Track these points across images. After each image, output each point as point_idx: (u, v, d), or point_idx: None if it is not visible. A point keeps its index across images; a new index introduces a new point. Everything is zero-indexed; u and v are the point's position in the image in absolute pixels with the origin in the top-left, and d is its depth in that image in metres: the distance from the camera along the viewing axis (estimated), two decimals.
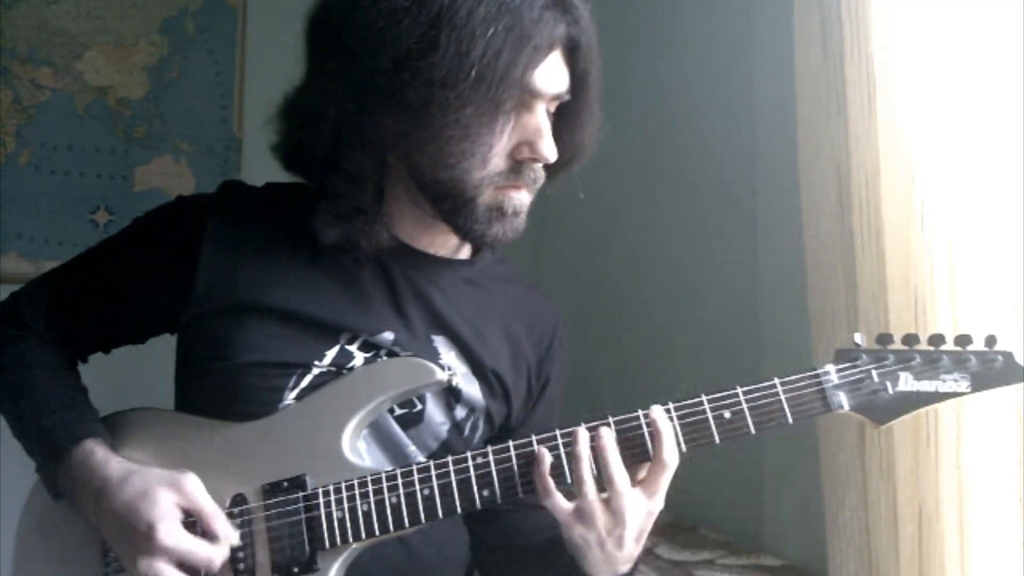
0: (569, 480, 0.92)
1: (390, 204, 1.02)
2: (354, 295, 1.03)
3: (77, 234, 2.60)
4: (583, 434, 0.92)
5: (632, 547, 0.92)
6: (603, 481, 0.91)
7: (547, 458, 0.92)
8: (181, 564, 0.91)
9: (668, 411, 0.93)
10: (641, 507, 0.91)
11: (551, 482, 0.92)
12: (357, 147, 0.96)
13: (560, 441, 0.94)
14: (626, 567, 0.94)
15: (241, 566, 0.94)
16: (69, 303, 1.08)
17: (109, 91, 2.67)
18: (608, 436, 0.92)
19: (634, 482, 0.92)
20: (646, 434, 0.93)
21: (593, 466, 0.91)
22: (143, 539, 0.91)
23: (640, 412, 0.94)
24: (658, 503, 0.92)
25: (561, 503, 0.92)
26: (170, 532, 0.91)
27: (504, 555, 1.13)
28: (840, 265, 1.30)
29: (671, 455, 0.91)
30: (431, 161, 0.94)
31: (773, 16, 1.78)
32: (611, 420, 0.94)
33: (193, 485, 0.94)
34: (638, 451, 0.93)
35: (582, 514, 0.91)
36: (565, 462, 0.93)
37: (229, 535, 0.94)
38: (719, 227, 2.03)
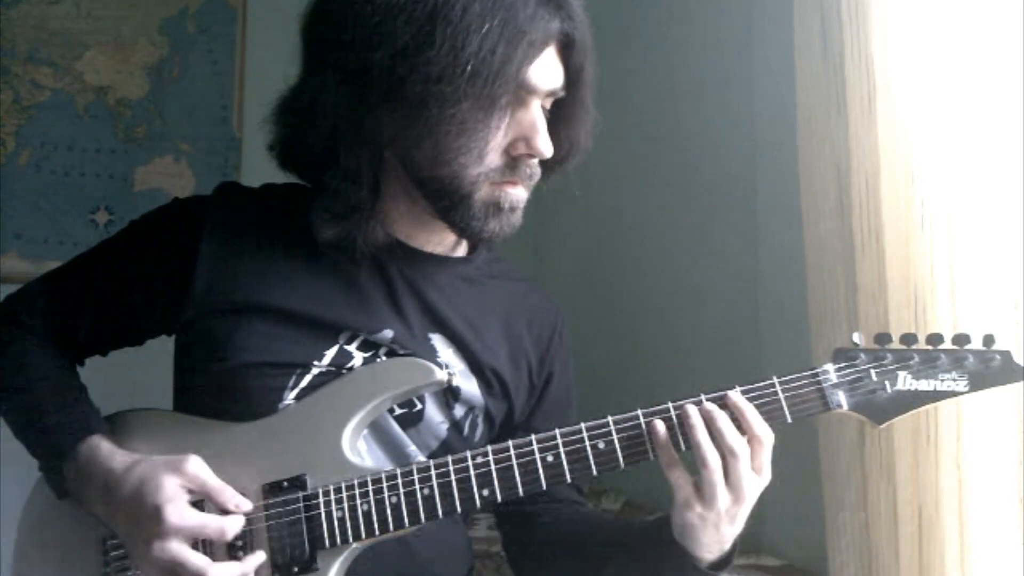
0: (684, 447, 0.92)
1: (386, 202, 1.02)
2: (352, 294, 1.03)
3: (77, 234, 2.60)
4: (691, 407, 0.92)
5: (741, 525, 0.92)
6: (722, 450, 0.90)
7: (661, 428, 0.92)
8: (196, 544, 0.91)
9: (667, 409, 0.93)
10: (756, 482, 0.91)
11: (674, 451, 0.91)
12: (353, 144, 0.96)
13: (673, 414, 0.93)
14: (729, 544, 0.95)
15: None
16: (67, 305, 1.08)
17: (109, 91, 2.67)
18: (716, 408, 0.91)
19: None
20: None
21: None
22: (152, 524, 0.90)
23: (711, 395, 0.93)
24: (767, 478, 0.92)
25: (685, 476, 0.91)
26: (179, 512, 0.90)
27: (564, 555, 1.10)
28: (840, 265, 1.30)
29: (763, 429, 0.91)
30: (428, 157, 0.95)
31: (773, 16, 1.78)
32: (702, 396, 0.93)
33: (195, 465, 0.93)
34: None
35: (704, 489, 0.90)
36: (682, 440, 0.92)
37: (240, 504, 0.93)
38: (719, 227, 2.03)
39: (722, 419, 0.91)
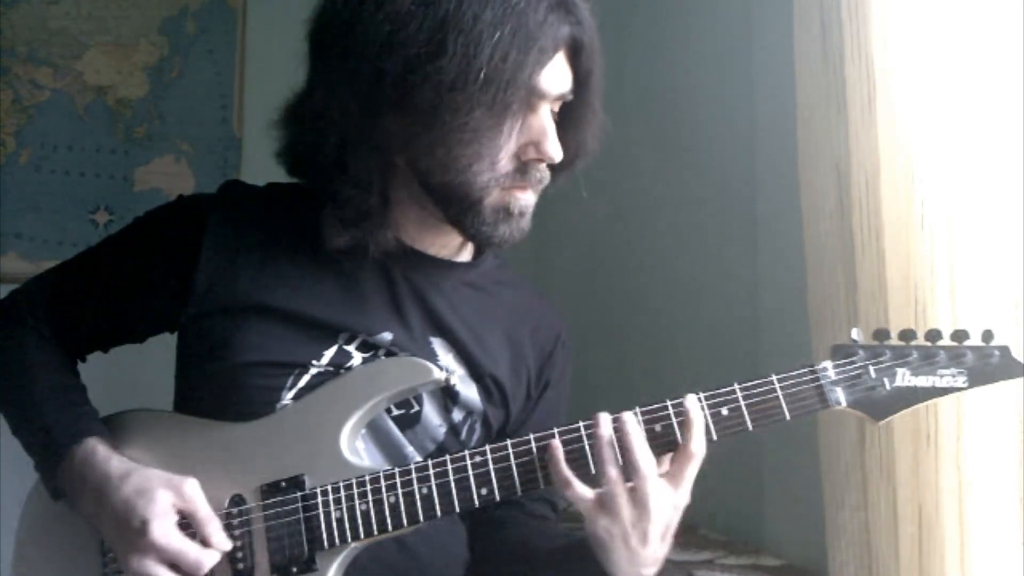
0: (592, 468, 0.91)
1: (393, 207, 1.02)
2: (353, 295, 1.03)
3: (77, 234, 2.60)
4: (604, 417, 0.91)
5: (657, 545, 0.90)
6: (627, 467, 0.89)
7: (559, 450, 0.91)
8: (173, 566, 0.91)
9: (666, 408, 0.93)
10: (667, 498, 0.89)
11: (569, 472, 0.91)
12: (363, 151, 0.96)
13: (583, 432, 0.93)
14: (651, 570, 0.92)
15: (240, 566, 0.94)
16: (69, 301, 1.08)
17: (109, 91, 2.67)
18: (631, 420, 0.91)
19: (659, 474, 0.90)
20: (674, 424, 0.92)
21: (618, 453, 0.90)
22: (137, 536, 0.91)
23: (669, 401, 0.93)
24: (683, 496, 0.90)
25: (583, 491, 0.91)
26: (163, 531, 0.91)
27: (509, 566, 1.11)
28: (840, 265, 1.30)
29: (699, 445, 0.90)
30: (440, 164, 0.94)
31: (773, 16, 1.78)
32: (637, 410, 0.93)
33: (192, 489, 0.94)
34: (661, 441, 0.92)
35: (606, 502, 0.89)
36: (589, 452, 0.92)
37: (222, 543, 0.94)
38: (719, 227, 2.03)
39: (634, 435, 0.90)
